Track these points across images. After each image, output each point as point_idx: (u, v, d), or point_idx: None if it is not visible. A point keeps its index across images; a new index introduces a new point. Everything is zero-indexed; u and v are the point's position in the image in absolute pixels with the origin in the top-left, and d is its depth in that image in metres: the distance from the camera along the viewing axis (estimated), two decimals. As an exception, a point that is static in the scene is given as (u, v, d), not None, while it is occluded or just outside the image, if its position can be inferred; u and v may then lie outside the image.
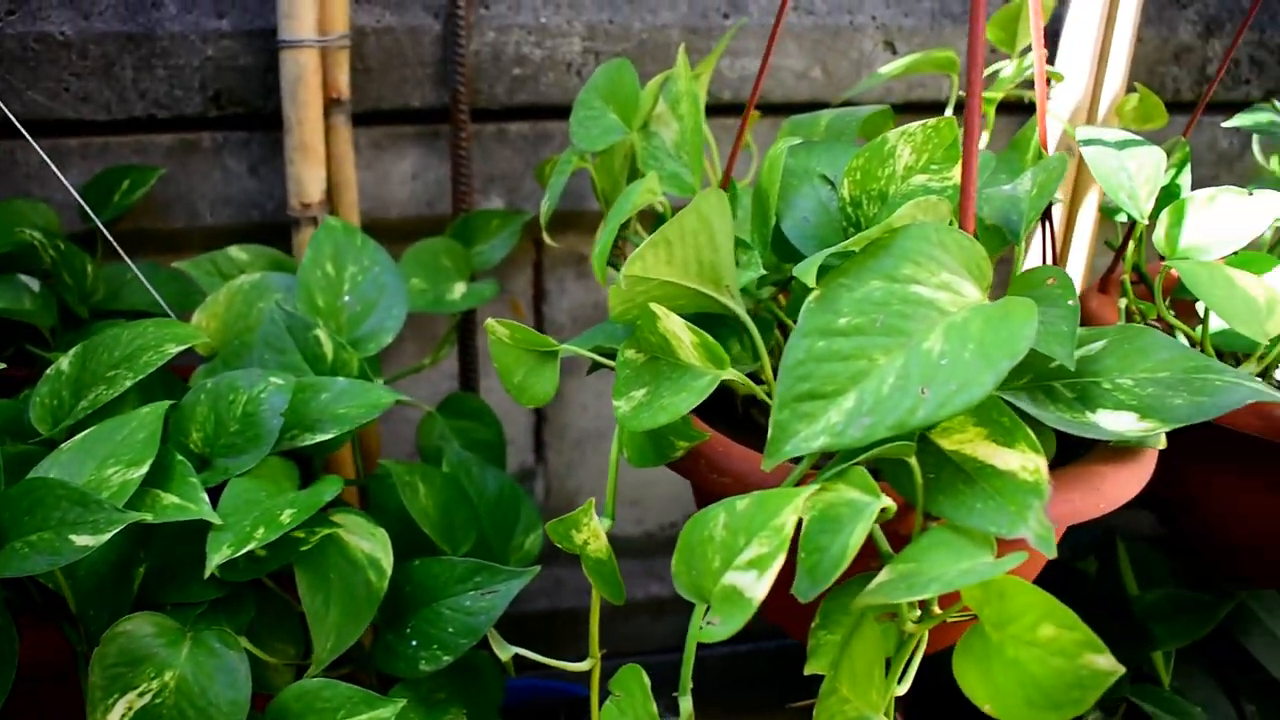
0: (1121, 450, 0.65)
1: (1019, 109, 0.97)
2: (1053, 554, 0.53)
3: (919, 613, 0.57)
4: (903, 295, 0.56)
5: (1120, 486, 0.64)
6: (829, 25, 1.00)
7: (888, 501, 0.53)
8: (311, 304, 0.83)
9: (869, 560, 0.56)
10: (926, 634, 0.58)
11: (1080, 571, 1.03)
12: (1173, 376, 0.62)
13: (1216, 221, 0.72)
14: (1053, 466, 0.62)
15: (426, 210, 0.99)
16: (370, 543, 0.72)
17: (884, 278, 0.56)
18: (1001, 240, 0.77)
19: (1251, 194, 0.71)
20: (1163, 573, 0.95)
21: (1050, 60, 1.04)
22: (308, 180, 0.89)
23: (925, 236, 0.57)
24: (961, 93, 0.84)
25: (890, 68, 0.91)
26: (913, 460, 0.57)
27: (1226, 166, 1.17)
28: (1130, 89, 0.98)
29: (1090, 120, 1.03)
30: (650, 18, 0.97)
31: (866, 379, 0.54)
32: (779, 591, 0.53)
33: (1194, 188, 0.77)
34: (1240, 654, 0.97)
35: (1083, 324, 0.63)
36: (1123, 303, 0.79)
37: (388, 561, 0.71)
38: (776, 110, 1.01)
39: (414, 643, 0.73)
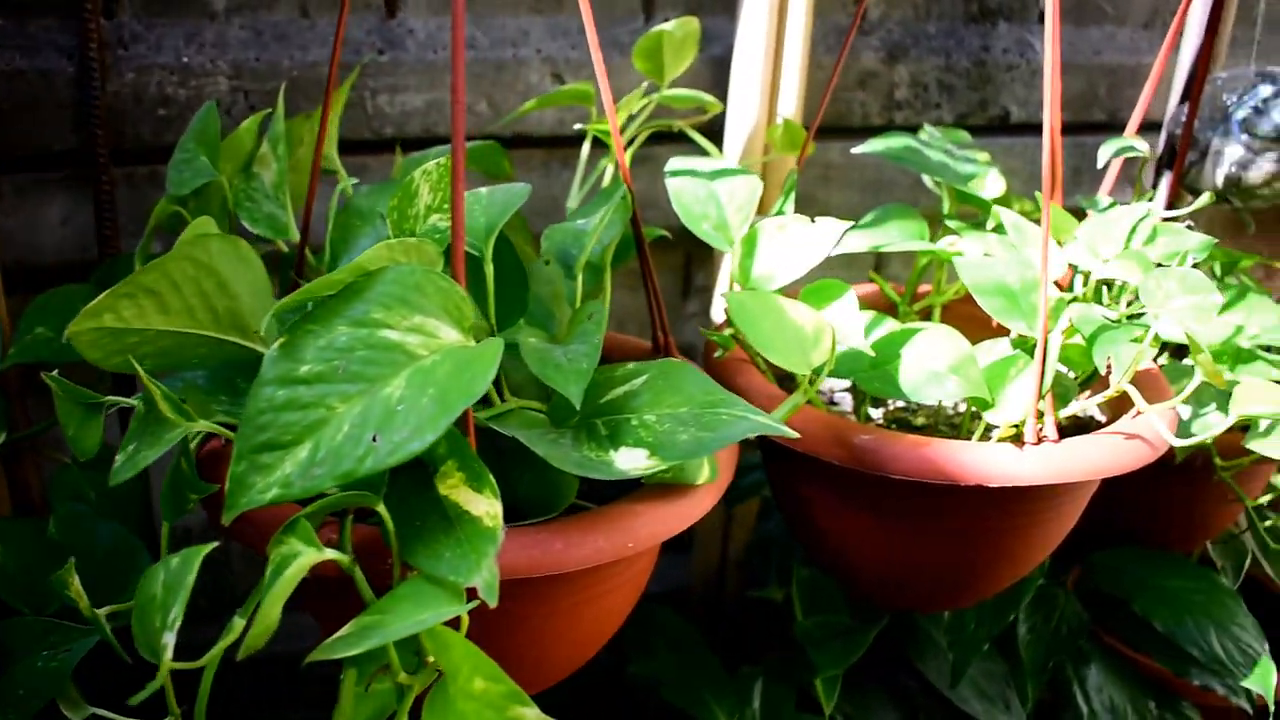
0: (665, 488, 0.64)
1: (678, 140, 0.96)
2: (493, 602, 0.52)
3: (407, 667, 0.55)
4: (370, 340, 0.54)
5: (656, 525, 0.63)
6: (492, 59, 0.99)
7: (324, 555, 0.51)
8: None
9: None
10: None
11: (768, 601, 1.02)
12: (689, 412, 0.61)
13: (785, 249, 0.71)
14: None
15: (80, 255, 0.96)
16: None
17: (352, 323, 0.55)
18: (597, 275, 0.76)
19: (814, 221, 0.71)
20: (833, 598, 0.95)
21: (722, 93, 1.04)
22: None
23: (399, 279, 0.56)
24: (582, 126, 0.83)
25: (528, 104, 0.90)
26: (381, 508, 0.55)
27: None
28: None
29: (767, 151, 1.03)
30: (300, 55, 0.95)
31: (324, 428, 0.53)
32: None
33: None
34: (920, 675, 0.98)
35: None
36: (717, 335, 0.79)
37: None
38: (447, 143, 0.99)
39: (-12, 706, 0.70)
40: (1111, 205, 0.90)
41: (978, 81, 1.16)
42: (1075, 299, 0.80)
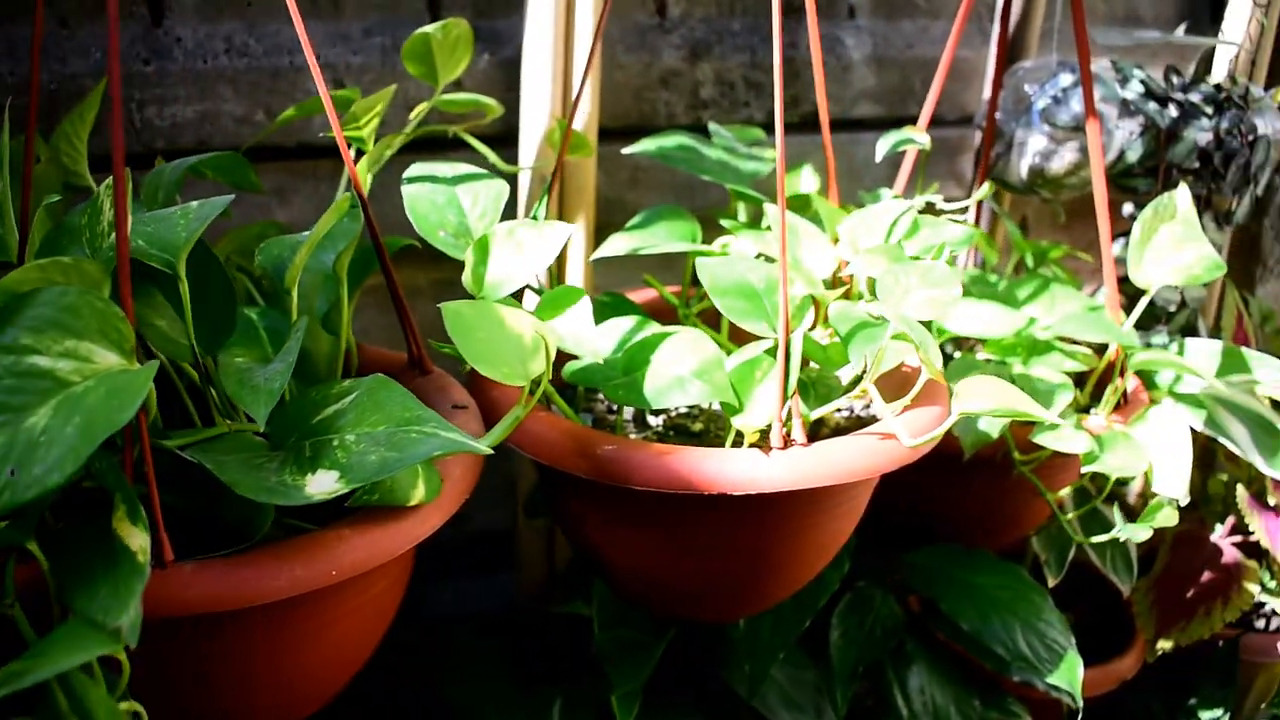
0: (376, 510, 0.61)
1: (451, 145, 0.93)
2: (133, 644, 0.48)
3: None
4: (16, 368, 0.51)
5: (363, 550, 0.60)
6: (267, 67, 0.96)
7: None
8: None
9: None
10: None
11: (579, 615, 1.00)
12: (385, 431, 0.58)
13: (515, 255, 0.69)
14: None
15: None
16: None
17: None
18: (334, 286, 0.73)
19: (543, 225, 0.69)
20: (630, 612, 0.92)
21: (515, 95, 1.01)
22: None
23: (52, 301, 0.52)
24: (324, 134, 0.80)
25: (285, 113, 0.87)
26: (32, 545, 0.52)
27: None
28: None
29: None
30: (59, 67, 0.91)
31: (-36, 464, 0.49)
32: None
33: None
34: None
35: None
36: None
37: None
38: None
39: None
40: (896, 199, 0.88)
41: (787, 78, 1.14)
42: (841, 296, 0.78)
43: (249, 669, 0.63)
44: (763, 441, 0.69)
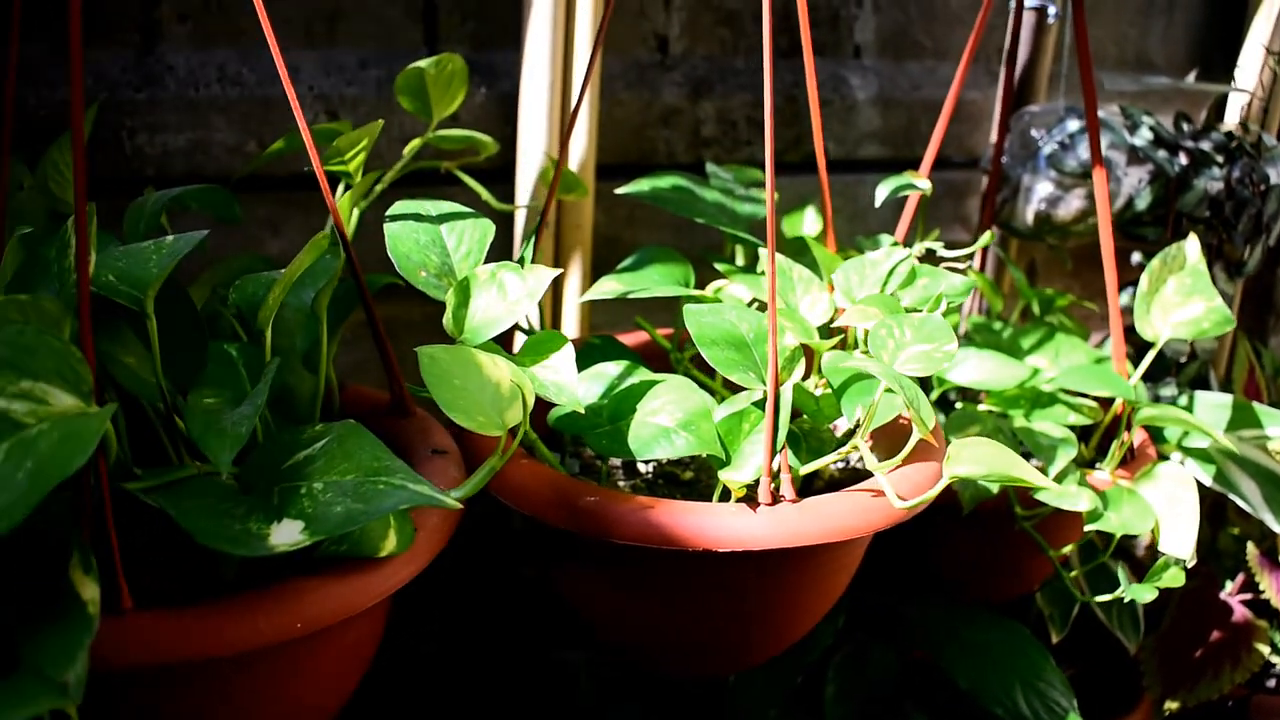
0: (344, 561, 0.59)
1: (446, 180, 0.92)
2: (78, 700, 0.46)
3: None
4: (-34, 409, 0.49)
5: (329, 602, 0.58)
6: (259, 96, 0.94)
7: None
8: None
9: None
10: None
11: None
12: (353, 481, 0.56)
13: (498, 299, 0.67)
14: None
15: None
16: None
17: (-53, 390, 0.49)
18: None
19: (524, 269, 0.66)
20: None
21: (512, 131, 1.00)
22: None
23: (8, 340, 0.50)
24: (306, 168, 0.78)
25: (274, 145, 0.85)
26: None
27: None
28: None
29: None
30: (49, 93, 0.89)
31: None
32: None
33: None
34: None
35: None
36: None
37: None
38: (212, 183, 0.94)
39: None
40: (895, 246, 0.86)
41: (790, 118, 1.13)
42: (835, 346, 0.75)
43: (212, 717, 0.61)
44: (751, 496, 0.67)
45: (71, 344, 0.51)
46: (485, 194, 0.88)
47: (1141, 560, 1.29)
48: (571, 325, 1.04)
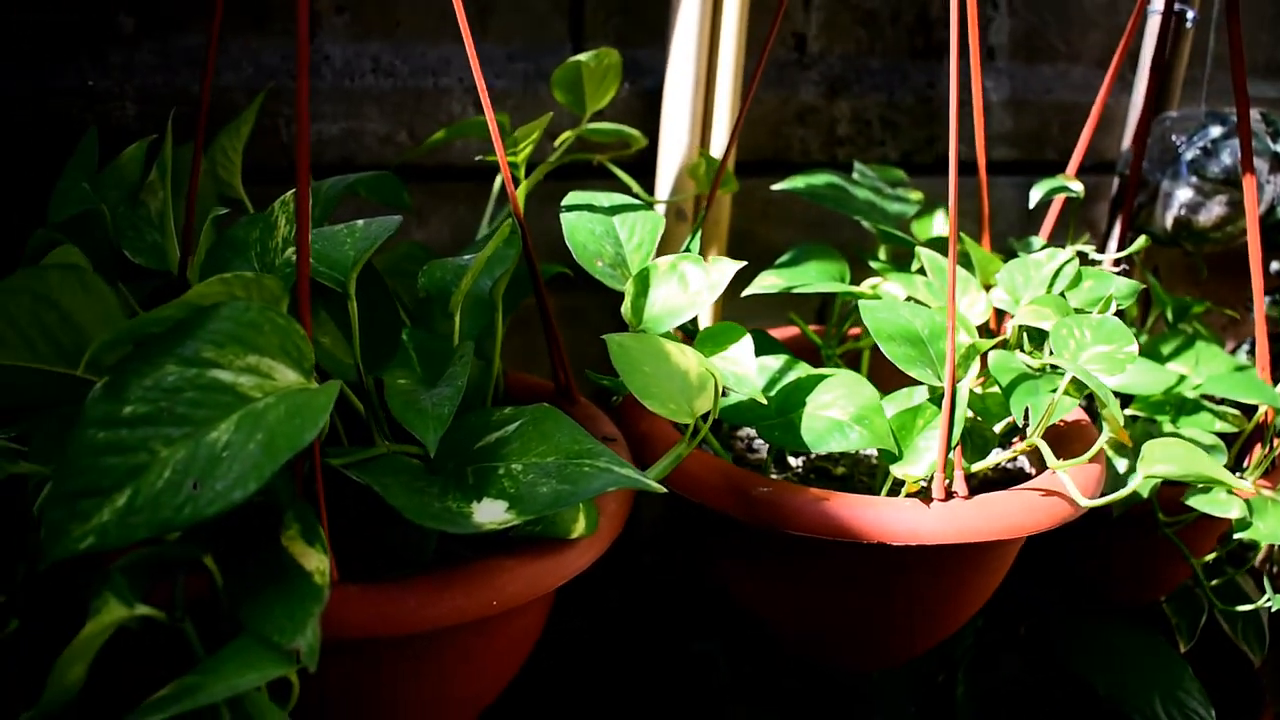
0: (537, 541, 0.60)
1: (591, 173, 0.93)
2: (313, 667, 0.47)
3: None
4: (199, 381, 0.50)
5: (523, 582, 0.59)
6: (411, 88, 0.96)
7: (134, 611, 0.47)
8: None
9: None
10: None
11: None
12: (555, 463, 0.57)
13: (679, 291, 0.68)
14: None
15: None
16: None
17: (181, 362, 0.51)
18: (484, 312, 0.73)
19: (708, 262, 0.67)
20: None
21: (654, 126, 1.00)
22: None
23: (234, 316, 0.52)
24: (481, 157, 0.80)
25: (436, 135, 0.87)
26: (209, 561, 0.51)
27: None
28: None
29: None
30: (211, 80, 0.91)
31: (145, 474, 0.49)
32: None
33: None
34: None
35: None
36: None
37: None
38: (362, 171, 0.96)
39: None
40: (1044, 247, 0.86)
41: (923, 118, 1.12)
42: (995, 345, 0.76)
43: (395, 694, 0.62)
44: (922, 492, 0.67)
45: (294, 320, 0.53)
46: (637, 187, 0.89)
47: (1262, 571, 1.27)
48: (704, 318, 1.05)
